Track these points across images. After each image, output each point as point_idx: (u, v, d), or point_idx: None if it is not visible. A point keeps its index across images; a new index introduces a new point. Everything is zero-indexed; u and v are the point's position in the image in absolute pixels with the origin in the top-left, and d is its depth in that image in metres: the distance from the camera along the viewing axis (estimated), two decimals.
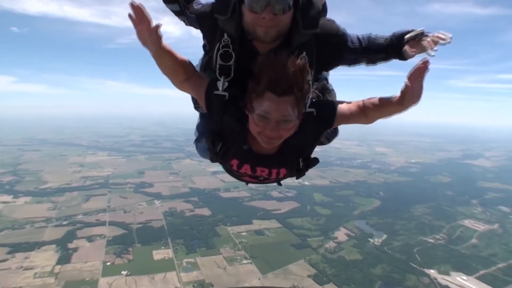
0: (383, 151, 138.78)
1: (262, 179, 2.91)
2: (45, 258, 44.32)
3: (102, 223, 55.32)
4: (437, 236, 55.63)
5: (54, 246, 47.44)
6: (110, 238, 50.18)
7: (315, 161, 2.75)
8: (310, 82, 2.42)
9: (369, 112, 2.59)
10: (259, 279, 42.05)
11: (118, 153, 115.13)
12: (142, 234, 51.22)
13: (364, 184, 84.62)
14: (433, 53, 2.31)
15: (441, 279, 43.22)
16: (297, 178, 2.93)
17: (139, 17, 2.22)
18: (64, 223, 55.47)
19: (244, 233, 53.44)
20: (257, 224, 56.74)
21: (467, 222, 61.57)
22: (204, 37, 2.80)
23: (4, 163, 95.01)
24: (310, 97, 2.49)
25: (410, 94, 2.31)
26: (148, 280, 40.90)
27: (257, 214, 60.31)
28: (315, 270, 44.41)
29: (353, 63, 2.80)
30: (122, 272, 42.11)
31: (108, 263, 43.96)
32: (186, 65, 2.60)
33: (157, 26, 2.24)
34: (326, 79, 3.18)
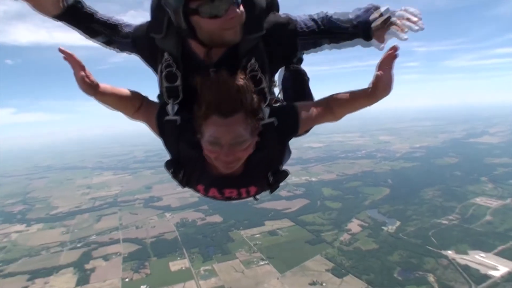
0: (387, 139, 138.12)
1: (234, 198, 2.70)
2: (64, 281, 44.61)
3: (116, 241, 55.46)
4: (450, 217, 55.27)
5: (71, 268, 47.68)
6: (126, 255, 50.30)
7: (284, 174, 2.55)
8: (266, 90, 2.34)
9: (336, 109, 2.41)
10: (277, 278, 42.07)
11: (124, 171, 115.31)
12: (156, 248, 51.30)
13: (371, 174, 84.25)
14: (405, 37, 2.09)
15: (460, 259, 42.93)
16: (271, 192, 2.68)
17: (71, 63, 2.18)
18: (79, 245, 55.68)
19: (257, 235, 53.42)
20: (269, 225, 56.68)
21: (479, 200, 61.08)
22: (144, 61, 2.59)
23: (14, 193, 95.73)
24: (266, 105, 2.34)
25: (382, 85, 2.16)
26: None
27: (268, 215, 60.25)
28: (332, 263, 44.32)
29: (313, 47, 2.53)
30: (141, 286, 42.26)
31: (127, 280, 44.20)
32: (132, 98, 2.48)
33: (87, 76, 2.20)
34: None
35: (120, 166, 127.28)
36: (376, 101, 2.27)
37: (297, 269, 43.72)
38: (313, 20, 2.38)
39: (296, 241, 51.05)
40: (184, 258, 47.84)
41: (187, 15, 2.02)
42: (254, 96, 2.10)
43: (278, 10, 2.58)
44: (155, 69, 2.49)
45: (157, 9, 2.28)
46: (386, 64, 2.11)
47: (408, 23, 2.07)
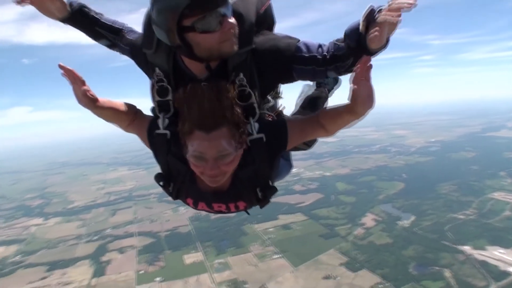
0: (401, 134, 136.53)
1: (224, 212, 2.68)
2: (81, 272, 45.66)
3: (131, 235, 56.27)
4: (467, 212, 54.23)
5: (88, 261, 48.77)
6: (141, 248, 51.03)
7: (272, 190, 2.48)
8: (255, 105, 2.30)
9: (327, 125, 2.34)
10: (291, 272, 42.11)
11: (138, 166, 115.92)
12: (171, 241, 51.78)
13: (385, 169, 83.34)
14: (399, 18, 1.79)
15: (477, 254, 42.12)
16: (261, 207, 2.62)
17: (71, 78, 2.21)
18: (95, 238, 56.86)
19: (271, 229, 53.47)
20: (283, 219, 56.66)
21: (497, 195, 59.71)
22: (142, 71, 2.61)
23: (32, 188, 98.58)
24: (256, 120, 2.30)
25: (361, 100, 2.00)
26: (182, 284, 41.54)
27: (282, 209, 60.07)
28: (346, 258, 44.16)
29: (314, 76, 2.38)
30: (156, 279, 42.88)
31: (142, 272, 44.90)
32: (126, 111, 2.53)
33: (87, 90, 2.24)
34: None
35: (135, 162, 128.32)
36: (360, 116, 2.13)
37: (311, 263, 43.67)
38: (320, 47, 2.24)
39: (309, 235, 50.98)
40: (198, 251, 48.20)
41: (181, 33, 2.00)
42: (239, 110, 2.07)
43: (273, 23, 2.57)
44: (150, 79, 2.49)
45: (146, 26, 2.27)
46: (361, 76, 1.95)
47: (397, 3, 1.78)
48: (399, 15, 1.77)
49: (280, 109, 3.03)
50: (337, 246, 47.08)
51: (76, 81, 2.20)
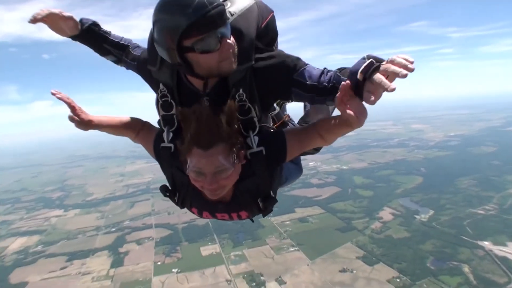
0: (420, 128, 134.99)
1: (227, 220, 2.77)
2: (100, 263, 46.57)
3: (149, 226, 56.98)
4: (487, 207, 53.35)
5: (106, 251, 49.73)
6: (158, 240, 51.69)
7: (273, 201, 2.55)
8: (255, 119, 2.35)
9: (325, 135, 2.35)
10: (307, 265, 42.12)
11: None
12: (188, 233, 52.22)
13: (403, 163, 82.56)
14: (392, 87, 1.69)
15: (498, 250, 41.52)
16: (263, 216, 2.70)
17: (65, 103, 2.37)
18: (113, 229, 57.81)
19: (288, 222, 53.49)
20: (300, 212, 56.66)
21: None
22: (148, 85, 2.66)
23: (52, 180, 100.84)
24: (255, 133, 2.36)
25: (353, 119, 1.91)
26: (199, 275, 41.90)
27: (299, 202, 60.14)
28: (363, 251, 44.00)
29: (312, 102, 2.40)
30: (173, 270, 43.41)
31: (159, 263, 45.43)
32: (131, 125, 2.69)
33: (77, 114, 2.41)
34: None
35: None
36: (356, 127, 2.08)
37: (327, 256, 43.62)
38: (322, 75, 2.21)
39: (326, 228, 50.89)
40: (214, 243, 48.53)
41: (181, 53, 2.04)
42: (236, 126, 2.13)
43: (276, 36, 2.63)
44: (155, 92, 2.54)
45: (150, 44, 2.32)
46: (347, 97, 1.89)
47: (394, 67, 1.71)
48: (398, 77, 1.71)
49: (285, 116, 3.08)
50: (354, 240, 46.93)
51: (69, 107, 2.39)
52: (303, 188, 64.40)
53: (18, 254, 51.67)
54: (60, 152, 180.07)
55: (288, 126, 3.05)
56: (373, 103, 1.79)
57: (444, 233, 46.67)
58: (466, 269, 38.64)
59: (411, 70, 1.68)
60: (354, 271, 40.13)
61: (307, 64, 2.28)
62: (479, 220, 49.34)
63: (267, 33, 2.49)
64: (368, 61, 1.81)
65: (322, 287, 38.12)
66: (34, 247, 53.73)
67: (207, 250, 47.25)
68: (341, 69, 2.16)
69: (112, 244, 51.93)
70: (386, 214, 54.04)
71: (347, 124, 2.10)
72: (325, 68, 2.25)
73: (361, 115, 1.90)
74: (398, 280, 37.96)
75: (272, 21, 2.55)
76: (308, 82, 2.21)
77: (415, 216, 52.55)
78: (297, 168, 3.14)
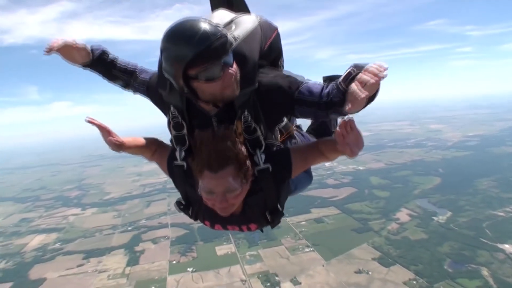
0: (438, 128, 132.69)
1: (238, 231, 2.95)
2: (116, 261, 47.20)
3: (165, 226, 57.37)
4: (508, 209, 52.00)
5: (122, 250, 50.35)
6: (174, 239, 52.00)
7: (280, 215, 2.69)
8: (260, 138, 2.46)
9: (327, 154, 2.53)
10: (323, 265, 41.86)
11: None
12: (203, 233, 52.23)
13: (421, 163, 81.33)
14: (362, 95, 1.84)
15: None
16: (272, 228, 2.85)
17: (99, 129, 2.58)
18: (129, 228, 58.48)
19: (303, 223, 53.30)
20: (315, 213, 56.36)
21: None
22: (157, 107, 2.81)
23: (70, 180, 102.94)
24: (262, 151, 2.47)
25: (347, 151, 2.17)
26: (214, 275, 42.01)
27: (315, 203, 59.80)
28: (379, 252, 43.52)
29: (316, 117, 2.62)
30: (188, 269, 43.67)
31: (174, 262, 45.80)
32: (148, 145, 2.87)
33: (113, 139, 2.60)
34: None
35: None
36: (351, 158, 2.28)
37: (343, 257, 43.27)
38: (322, 90, 2.30)
39: (342, 229, 50.50)
40: (230, 243, 48.58)
41: (187, 81, 2.15)
42: (243, 148, 2.26)
43: (280, 54, 2.87)
44: (165, 115, 2.67)
45: (160, 69, 2.39)
46: (345, 132, 2.11)
47: (365, 77, 1.87)
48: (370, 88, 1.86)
49: (292, 128, 3.17)
50: (370, 241, 46.44)
51: (103, 131, 2.58)
52: (319, 189, 64.07)
53: (37, 251, 52.88)
54: (78, 152, 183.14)
55: (295, 138, 3.17)
56: (350, 111, 1.92)
57: (463, 235, 45.77)
58: (485, 272, 37.79)
59: (381, 77, 1.83)
60: (370, 273, 39.72)
61: (307, 82, 2.40)
62: (499, 222, 48.20)
63: (271, 52, 2.69)
64: (347, 71, 2.03)
65: None
66: (53, 244, 54.92)
67: (222, 249, 47.31)
68: (334, 77, 2.30)
69: (128, 242, 52.50)
70: (403, 215, 53.30)
71: (343, 153, 2.25)
72: (325, 83, 2.34)
73: (356, 147, 2.14)
74: (414, 282, 37.40)
75: (276, 40, 2.73)
76: (308, 99, 2.32)
77: (433, 217, 51.70)
78: (307, 176, 3.21)
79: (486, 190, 59.92)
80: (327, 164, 77.97)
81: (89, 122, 2.51)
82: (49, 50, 2.54)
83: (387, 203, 58.20)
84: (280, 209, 2.69)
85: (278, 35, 2.75)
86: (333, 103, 2.18)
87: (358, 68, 1.97)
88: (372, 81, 1.82)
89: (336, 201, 60.65)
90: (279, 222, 2.77)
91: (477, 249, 42.22)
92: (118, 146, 2.63)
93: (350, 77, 1.99)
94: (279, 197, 2.64)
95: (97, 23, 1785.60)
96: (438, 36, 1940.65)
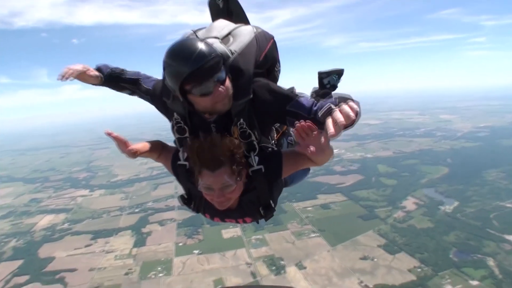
0: (448, 118, 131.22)
1: (235, 223, 3.20)
2: (123, 242, 47.82)
3: (171, 208, 57.65)
4: None
5: (129, 231, 50.97)
6: (180, 221, 52.30)
7: (271, 210, 2.90)
8: (255, 142, 2.68)
9: (314, 159, 2.62)
10: (328, 251, 42.02)
11: None
12: None
13: (429, 153, 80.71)
14: (332, 132, 2.06)
15: None
16: (266, 221, 3.04)
17: (116, 141, 2.74)
18: (136, 210, 59.11)
19: (309, 208, 53.40)
20: (322, 199, 56.38)
21: None
22: (161, 112, 3.01)
23: (79, 161, 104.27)
24: (256, 154, 2.69)
25: (314, 156, 2.42)
26: (219, 258, 42.39)
27: (321, 189, 59.77)
28: (385, 240, 43.52)
29: None
30: (194, 251, 44.09)
31: (180, 244, 46.28)
32: (155, 148, 3.06)
33: (130, 150, 2.78)
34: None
35: None
36: (319, 164, 2.67)
37: (348, 243, 43.39)
38: (312, 106, 2.52)
39: (348, 215, 50.51)
40: (236, 226, 48.63)
41: (183, 94, 2.40)
42: (239, 150, 2.49)
43: (275, 62, 3.05)
44: (169, 120, 2.90)
45: (163, 80, 2.61)
46: (306, 139, 2.35)
47: (339, 116, 2.08)
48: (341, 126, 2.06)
49: (285, 127, 3.42)
50: (376, 228, 46.38)
51: (120, 143, 2.76)
52: (326, 175, 63.98)
53: (46, 230, 53.76)
54: (87, 134, 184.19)
55: (291, 135, 3.49)
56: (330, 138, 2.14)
57: (469, 225, 45.50)
58: (491, 262, 37.52)
59: (350, 120, 2.07)
60: (375, 259, 39.75)
61: (301, 96, 2.60)
62: (507, 214, 47.72)
63: (266, 62, 2.88)
64: (327, 107, 2.29)
65: (342, 274, 37.79)
66: (61, 224, 55.75)
67: (228, 233, 47.54)
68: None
69: (135, 224, 53.08)
70: (409, 203, 53.07)
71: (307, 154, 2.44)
72: (316, 98, 2.62)
73: (321, 153, 2.37)
74: (419, 270, 37.31)
75: (272, 50, 2.92)
76: (299, 113, 2.53)
77: (440, 206, 51.40)
78: (304, 170, 3.38)
79: (494, 181, 59.36)
80: (335, 150, 76.83)
81: (108, 135, 2.68)
82: (63, 79, 2.87)
83: (394, 191, 57.96)
84: (273, 205, 2.90)
85: (274, 43, 2.96)
86: (319, 122, 2.32)
87: (340, 100, 2.28)
88: (343, 121, 2.03)
89: (343, 188, 60.54)
90: (272, 216, 2.97)
91: (484, 239, 41.95)
92: (134, 153, 2.83)
93: (330, 111, 2.21)
94: (272, 194, 2.88)
95: (107, 6, 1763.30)
96: (451, 26, 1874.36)
